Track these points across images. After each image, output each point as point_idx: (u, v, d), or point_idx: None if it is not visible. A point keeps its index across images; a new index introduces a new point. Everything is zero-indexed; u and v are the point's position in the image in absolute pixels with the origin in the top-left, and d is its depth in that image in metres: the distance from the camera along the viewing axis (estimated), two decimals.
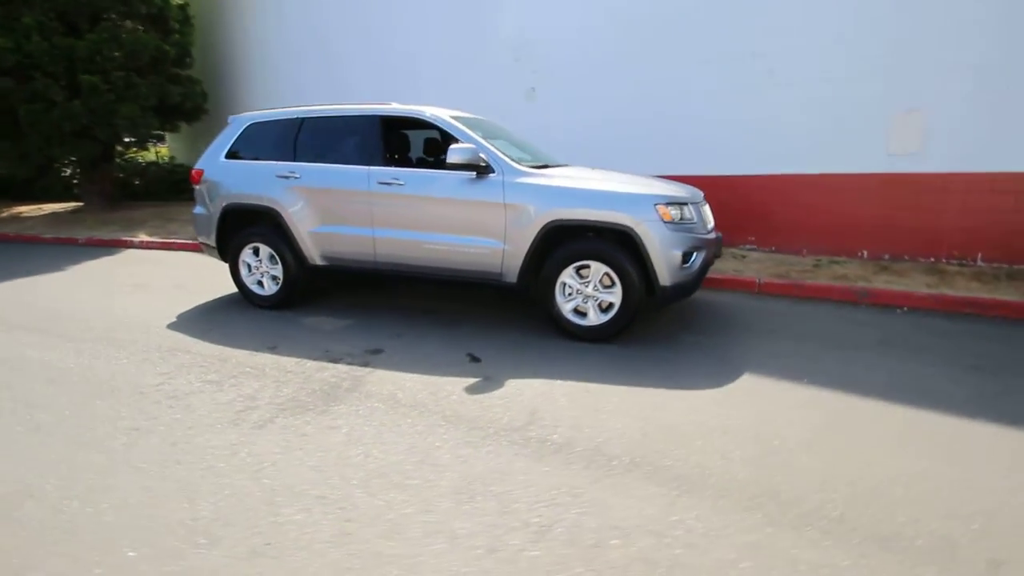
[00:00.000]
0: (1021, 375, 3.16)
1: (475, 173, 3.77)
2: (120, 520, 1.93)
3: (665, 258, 3.47)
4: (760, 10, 6.03)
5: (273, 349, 3.65)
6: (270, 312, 4.51)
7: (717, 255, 4.04)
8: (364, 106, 4.28)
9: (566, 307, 3.72)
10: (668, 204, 3.54)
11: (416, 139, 5.02)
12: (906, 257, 5.73)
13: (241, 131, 4.61)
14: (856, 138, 5.73)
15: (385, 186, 4.02)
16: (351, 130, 4.26)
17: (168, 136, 12.42)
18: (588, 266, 3.62)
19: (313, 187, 4.23)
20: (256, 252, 4.53)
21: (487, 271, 3.88)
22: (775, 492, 2.07)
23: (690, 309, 4.50)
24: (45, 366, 3.39)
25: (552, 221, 3.59)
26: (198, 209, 4.81)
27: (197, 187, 4.74)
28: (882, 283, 5.00)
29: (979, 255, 5.40)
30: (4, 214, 11.28)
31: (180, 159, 13.81)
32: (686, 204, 3.69)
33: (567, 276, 3.67)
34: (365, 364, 3.37)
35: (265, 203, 4.35)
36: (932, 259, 5.61)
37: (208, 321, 4.31)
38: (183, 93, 10.54)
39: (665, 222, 3.48)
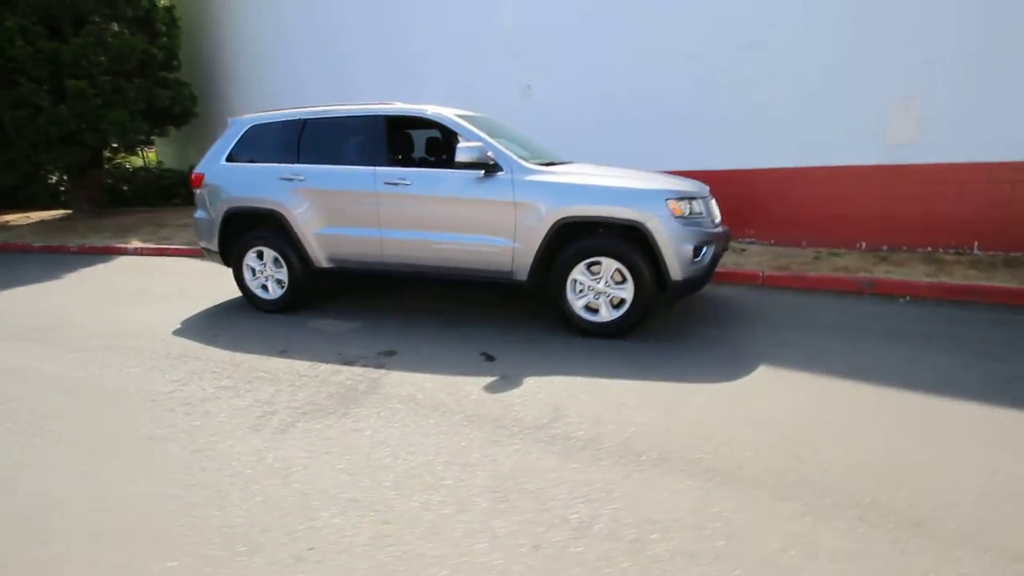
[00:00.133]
0: None
1: (483, 172, 3.76)
2: (153, 530, 1.90)
3: (677, 253, 3.49)
4: (756, 1, 6.07)
5: (284, 353, 3.61)
6: (276, 316, 4.46)
7: (725, 249, 4.07)
8: (368, 106, 4.25)
9: (577, 304, 3.72)
10: (678, 199, 3.56)
11: (419, 139, 5.00)
12: (904, 248, 5.81)
13: (242, 133, 4.56)
14: (853, 130, 5.80)
15: (392, 186, 3.99)
16: (355, 130, 4.23)
17: (156, 140, 12.22)
18: (599, 262, 3.62)
19: (318, 189, 4.19)
20: (260, 256, 4.49)
21: (497, 270, 3.87)
22: (806, 481, 2.09)
23: (697, 303, 4.53)
24: (54, 376, 3.33)
25: (563, 218, 3.59)
26: (199, 213, 4.74)
27: (198, 191, 4.68)
28: (882, 273, 5.07)
29: (976, 244, 5.49)
30: None
31: (168, 164, 13.64)
32: (695, 199, 3.71)
33: (578, 273, 3.68)
34: (380, 366, 3.35)
35: (269, 206, 4.31)
36: (930, 249, 5.70)
37: (214, 326, 4.25)
38: (171, 97, 10.40)
39: (676, 217, 3.50)
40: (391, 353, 3.57)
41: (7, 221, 11.08)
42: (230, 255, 4.59)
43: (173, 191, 12.34)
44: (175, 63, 10.74)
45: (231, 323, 4.32)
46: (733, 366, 3.23)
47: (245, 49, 10.92)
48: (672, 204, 3.50)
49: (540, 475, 2.17)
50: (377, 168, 4.05)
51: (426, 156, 5.12)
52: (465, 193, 3.81)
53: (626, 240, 3.59)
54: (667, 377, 3.09)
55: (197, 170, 4.69)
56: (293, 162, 4.32)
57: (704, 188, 4.13)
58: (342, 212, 4.18)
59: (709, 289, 4.88)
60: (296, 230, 4.26)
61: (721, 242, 3.92)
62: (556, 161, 4.20)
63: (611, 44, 6.94)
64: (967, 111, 5.30)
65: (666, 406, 2.73)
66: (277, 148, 4.41)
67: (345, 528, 1.88)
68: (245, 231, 4.52)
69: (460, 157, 3.66)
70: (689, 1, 6.41)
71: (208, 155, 4.68)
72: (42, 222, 10.64)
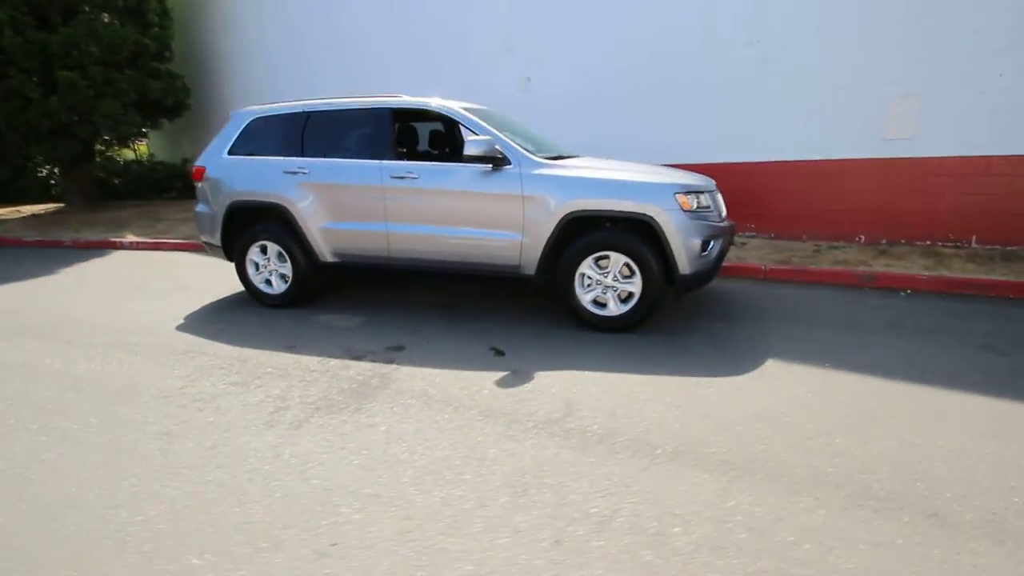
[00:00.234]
0: None
1: (491, 165, 3.75)
2: (173, 527, 1.90)
3: (685, 246, 3.50)
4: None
5: (292, 348, 3.60)
6: (280, 311, 4.44)
7: (731, 243, 4.08)
8: (373, 99, 4.21)
9: (585, 298, 3.73)
10: (687, 193, 3.57)
11: (422, 131, 4.97)
12: (903, 241, 5.86)
13: (244, 126, 4.51)
14: (853, 123, 5.83)
15: (398, 180, 3.97)
16: (361, 123, 4.19)
17: (148, 133, 12.08)
18: (607, 256, 3.63)
19: (323, 182, 4.16)
20: (264, 250, 4.45)
21: (505, 264, 3.87)
22: (821, 474, 2.12)
23: (702, 297, 4.55)
24: (58, 373, 3.29)
25: (572, 212, 3.59)
26: (200, 207, 4.69)
27: (199, 185, 4.63)
28: (882, 267, 5.12)
29: (973, 237, 5.55)
30: None
31: (160, 157, 13.48)
32: (702, 192, 3.72)
33: (586, 267, 3.68)
34: (389, 361, 3.35)
35: (273, 200, 4.27)
36: (928, 242, 5.75)
37: (218, 321, 4.22)
38: (164, 88, 10.28)
39: (684, 211, 3.51)
40: (399, 348, 3.56)
41: None
42: (232, 249, 4.55)
43: (166, 184, 12.22)
44: (167, 54, 10.60)
45: (235, 318, 4.29)
46: (741, 360, 3.25)
47: (239, 40, 10.79)
48: (681, 198, 3.51)
49: (558, 469, 2.18)
50: (383, 161, 4.03)
51: (429, 149, 5.09)
52: (473, 187, 3.79)
53: (634, 234, 3.59)
54: (677, 371, 3.11)
55: (198, 163, 4.63)
56: (297, 155, 4.28)
57: (710, 182, 4.13)
58: (348, 206, 4.15)
59: (713, 283, 4.88)
60: (301, 224, 4.23)
61: (727, 236, 3.94)
62: (562, 155, 4.19)
63: (610, 43, 6.92)
64: (965, 105, 5.33)
65: (677, 400, 2.75)
66: (280, 141, 4.36)
67: (367, 523, 1.88)
68: (248, 225, 4.48)
69: (469, 151, 3.64)
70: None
71: (209, 148, 4.63)
72: (33, 216, 10.50)
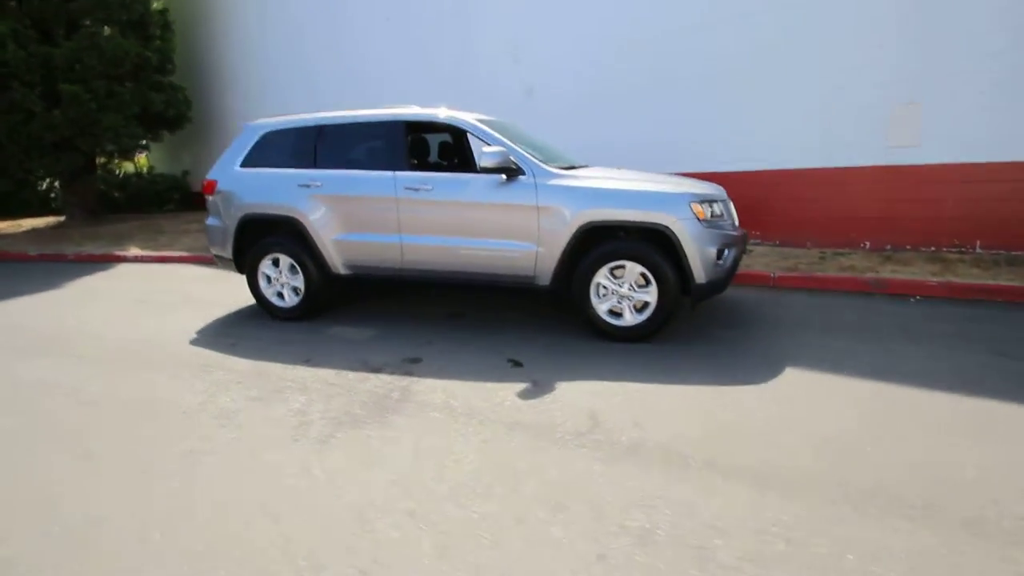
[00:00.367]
0: None
1: (505, 176, 3.77)
2: (209, 546, 1.88)
3: (701, 255, 3.51)
4: (759, 5, 6.14)
5: (308, 362, 3.58)
6: (292, 324, 4.42)
7: (744, 251, 4.11)
8: (385, 111, 4.23)
9: (601, 308, 3.74)
10: (701, 202, 3.59)
11: (432, 143, 4.99)
12: (907, 247, 5.91)
13: (256, 139, 4.51)
14: (857, 131, 5.89)
15: (412, 191, 3.98)
16: (373, 135, 4.21)
17: (149, 146, 12.07)
18: (623, 266, 3.64)
19: (337, 194, 4.17)
20: (276, 263, 4.44)
21: (520, 274, 3.87)
22: (853, 484, 2.12)
23: (714, 305, 4.57)
24: (73, 390, 3.27)
25: (588, 222, 3.60)
26: (211, 220, 4.69)
27: (210, 198, 4.63)
28: (889, 273, 5.15)
29: (977, 243, 5.60)
30: None
31: (160, 169, 13.47)
32: (715, 201, 3.75)
33: (601, 277, 3.69)
34: (408, 373, 3.34)
35: (286, 212, 4.27)
36: (933, 248, 5.80)
37: (230, 335, 4.21)
38: (166, 100, 10.29)
39: (699, 220, 3.53)
40: (416, 360, 3.56)
41: None
42: (244, 262, 4.55)
43: (166, 196, 12.20)
44: (169, 67, 10.62)
45: (247, 332, 4.28)
46: (759, 368, 3.26)
47: (239, 47, 10.81)
48: (695, 207, 3.53)
49: (591, 482, 2.18)
50: (397, 173, 4.04)
51: (439, 160, 5.10)
52: (487, 197, 3.81)
53: (649, 243, 3.61)
54: (696, 380, 3.11)
55: (210, 176, 4.63)
56: (310, 167, 4.29)
57: (722, 191, 4.16)
58: (361, 218, 4.16)
59: (724, 291, 4.92)
60: (314, 236, 4.23)
61: (741, 244, 3.96)
62: (574, 165, 4.21)
63: (612, 46, 6.98)
64: (968, 113, 5.40)
65: (702, 410, 2.76)
66: (292, 154, 4.37)
67: (406, 541, 1.87)
68: (260, 238, 4.48)
69: (483, 162, 3.66)
70: (700, 3, 6.47)
71: (221, 161, 4.63)
72: (35, 230, 10.45)
